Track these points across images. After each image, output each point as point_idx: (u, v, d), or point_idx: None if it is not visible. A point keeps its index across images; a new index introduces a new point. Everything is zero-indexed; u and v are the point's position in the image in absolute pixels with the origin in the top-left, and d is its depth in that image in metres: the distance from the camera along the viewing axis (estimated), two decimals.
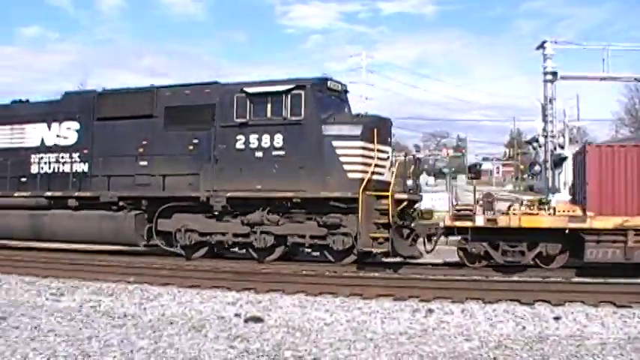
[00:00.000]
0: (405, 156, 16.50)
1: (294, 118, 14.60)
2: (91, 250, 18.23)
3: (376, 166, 14.42)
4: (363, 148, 14.35)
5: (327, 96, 15.24)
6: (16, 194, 17.74)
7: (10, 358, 7.26)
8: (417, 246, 15.13)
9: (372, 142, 14.40)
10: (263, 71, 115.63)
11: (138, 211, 16.32)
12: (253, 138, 14.93)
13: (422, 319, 9.56)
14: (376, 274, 13.88)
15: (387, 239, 14.04)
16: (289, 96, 14.63)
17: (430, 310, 9.99)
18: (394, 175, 14.74)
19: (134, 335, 8.53)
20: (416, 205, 15.75)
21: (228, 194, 15.12)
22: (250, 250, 15.68)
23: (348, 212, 14.33)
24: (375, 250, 14.35)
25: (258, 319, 9.65)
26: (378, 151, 14.58)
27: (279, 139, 14.70)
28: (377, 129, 14.60)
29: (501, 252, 14.09)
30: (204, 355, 7.42)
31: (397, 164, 15.23)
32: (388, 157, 15.25)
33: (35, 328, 8.96)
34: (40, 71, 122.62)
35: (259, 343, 8.03)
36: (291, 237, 15.03)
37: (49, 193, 17.33)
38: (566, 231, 13.50)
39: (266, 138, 14.80)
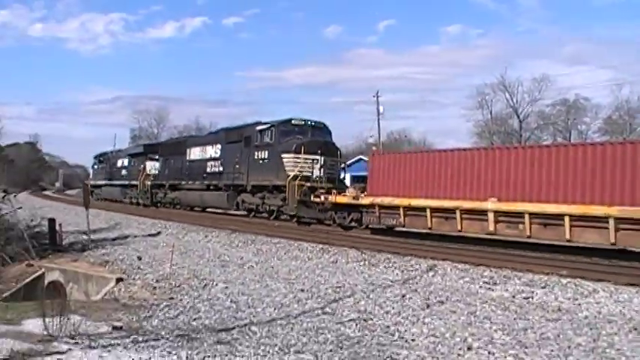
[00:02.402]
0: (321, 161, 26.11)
1: (270, 142, 27.55)
2: (511, 241, 18.96)
3: (303, 166, 25.52)
4: (294, 157, 25.80)
5: (290, 129, 27.34)
6: (197, 183, 34.16)
7: (450, 340, 8.29)
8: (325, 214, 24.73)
9: (300, 153, 25.62)
10: None
11: (229, 191, 30.37)
12: (259, 153, 28.13)
13: None
14: None
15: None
16: (269, 131, 27.81)
17: None
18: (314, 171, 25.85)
19: (570, 331, 8.81)
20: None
21: (251, 183, 28.57)
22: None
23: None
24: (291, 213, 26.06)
25: None
26: (305, 158, 25.66)
27: (266, 154, 27.69)
28: (304, 146, 25.83)
29: (338, 217, 24.04)
30: None
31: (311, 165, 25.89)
32: (316, 162, 25.85)
33: (471, 314, 9.94)
34: (462, 66, 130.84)
35: None
36: (271, 206, 27.57)
37: (206, 182, 33.08)
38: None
39: (263, 153, 27.88)
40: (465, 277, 13.59)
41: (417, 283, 13.12)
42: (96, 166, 62.66)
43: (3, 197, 25.32)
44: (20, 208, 24.97)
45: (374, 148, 59.54)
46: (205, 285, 13.16)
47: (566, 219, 16.08)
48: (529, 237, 17.45)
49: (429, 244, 19.07)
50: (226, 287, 12.80)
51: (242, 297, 11.66)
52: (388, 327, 9.06)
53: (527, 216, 17.09)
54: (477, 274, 13.91)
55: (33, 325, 8.93)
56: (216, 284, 13.17)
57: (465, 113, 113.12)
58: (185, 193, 36.40)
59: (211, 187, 32.73)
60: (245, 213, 30.17)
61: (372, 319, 9.55)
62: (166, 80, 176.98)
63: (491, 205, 17.98)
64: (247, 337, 8.58)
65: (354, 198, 22.83)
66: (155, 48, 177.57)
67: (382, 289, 12.27)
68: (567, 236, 16.21)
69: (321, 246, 18.99)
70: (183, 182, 36.31)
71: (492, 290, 12.26)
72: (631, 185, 15.30)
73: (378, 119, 63.98)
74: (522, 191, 17.75)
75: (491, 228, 18.03)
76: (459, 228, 19.04)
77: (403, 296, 11.44)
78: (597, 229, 15.64)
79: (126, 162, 50.20)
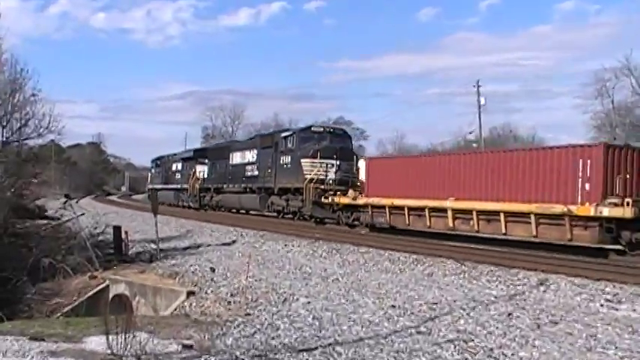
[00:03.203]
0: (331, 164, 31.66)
1: (292, 148, 33.26)
2: None
3: (319, 170, 30.94)
4: (311, 162, 31.21)
5: (310, 136, 33.07)
6: (236, 186, 40.52)
7: None
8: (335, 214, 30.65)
9: (316, 158, 31.08)
10: None
11: (262, 194, 36.79)
12: (284, 158, 33.81)
13: None
14: None
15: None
16: (291, 137, 33.76)
17: None
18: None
19: None
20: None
21: (278, 186, 34.34)
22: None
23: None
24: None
25: None
26: (321, 163, 31.08)
27: (289, 159, 33.32)
28: (320, 151, 31.30)
29: (344, 216, 30.06)
30: None
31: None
32: (331, 166, 31.20)
33: (591, 337, 9.65)
34: (578, 49, 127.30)
35: None
36: (293, 207, 33.34)
37: (243, 185, 39.44)
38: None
39: (287, 158, 33.50)
40: (583, 294, 13.19)
41: (525, 299, 12.84)
42: (153, 170, 68.33)
43: (65, 203, 26.14)
44: (83, 214, 25.74)
45: (474, 145, 59.08)
46: (285, 300, 13.23)
47: (502, 215, 20.90)
48: (477, 231, 22.09)
49: (537, 255, 18.85)
50: (308, 302, 12.83)
51: (326, 313, 11.68)
52: (492, 350, 8.89)
53: (474, 213, 21.97)
54: (597, 291, 13.48)
55: (95, 342, 9.20)
56: (297, 299, 13.22)
57: (580, 103, 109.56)
58: (227, 196, 43.28)
59: (247, 190, 39.04)
60: (280, 216, 35.94)
61: (472, 341, 9.39)
62: (242, 73, 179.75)
63: (449, 203, 23.07)
64: (331, 358, 8.57)
65: (353, 199, 28.65)
66: (228, 37, 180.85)
67: (484, 306, 12.09)
68: (503, 230, 21.02)
69: (414, 256, 18.89)
70: (225, 185, 43.03)
71: (617, 310, 11.85)
72: (549, 186, 19.66)
73: (479, 112, 63.11)
74: (473, 192, 22.42)
75: (451, 224, 23.22)
76: (428, 224, 24.34)
77: (509, 315, 11.22)
78: (523, 224, 20.35)
79: (179, 166, 55.95)
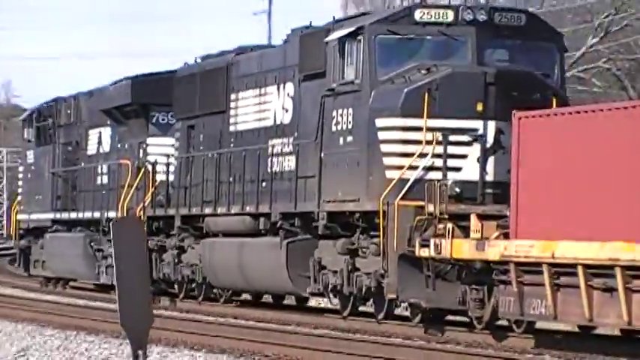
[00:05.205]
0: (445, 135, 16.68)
1: (353, 83, 17.96)
2: None
3: (424, 155, 16.35)
4: (404, 127, 16.54)
5: (408, 39, 17.34)
6: (234, 209, 22.82)
7: None
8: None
9: (418, 116, 16.29)
10: None
11: (293, 237, 20.21)
12: (339, 114, 18.40)
13: None
14: None
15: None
16: (352, 45, 17.89)
17: None
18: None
19: None
20: None
21: (325, 208, 18.74)
22: None
23: None
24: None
25: None
26: (433, 131, 16.26)
27: (349, 116, 17.98)
28: (431, 93, 16.12)
29: (474, 299, 16.15)
30: None
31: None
32: (475, 136, 16.36)
33: None
34: None
35: None
36: (367, 276, 17.89)
37: (249, 208, 22.21)
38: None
39: (344, 115, 18.14)
40: None
41: None
42: (30, 155, 40.32)
43: None
44: None
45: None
46: None
47: None
48: None
49: None
50: None
51: None
52: None
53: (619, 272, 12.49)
54: None
55: None
56: None
57: None
58: (213, 245, 23.80)
59: (259, 228, 21.74)
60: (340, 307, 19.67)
61: None
62: None
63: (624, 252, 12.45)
64: None
65: (477, 246, 15.24)
66: None
67: None
68: None
69: None
70: (212, 209, 23.81)
71: None
72: None
73: None
74: None
75: (625, 315, 12.56)
76: (625, 316, 12.67)
77: None
78: None
79: (108, 138, 32.12)
